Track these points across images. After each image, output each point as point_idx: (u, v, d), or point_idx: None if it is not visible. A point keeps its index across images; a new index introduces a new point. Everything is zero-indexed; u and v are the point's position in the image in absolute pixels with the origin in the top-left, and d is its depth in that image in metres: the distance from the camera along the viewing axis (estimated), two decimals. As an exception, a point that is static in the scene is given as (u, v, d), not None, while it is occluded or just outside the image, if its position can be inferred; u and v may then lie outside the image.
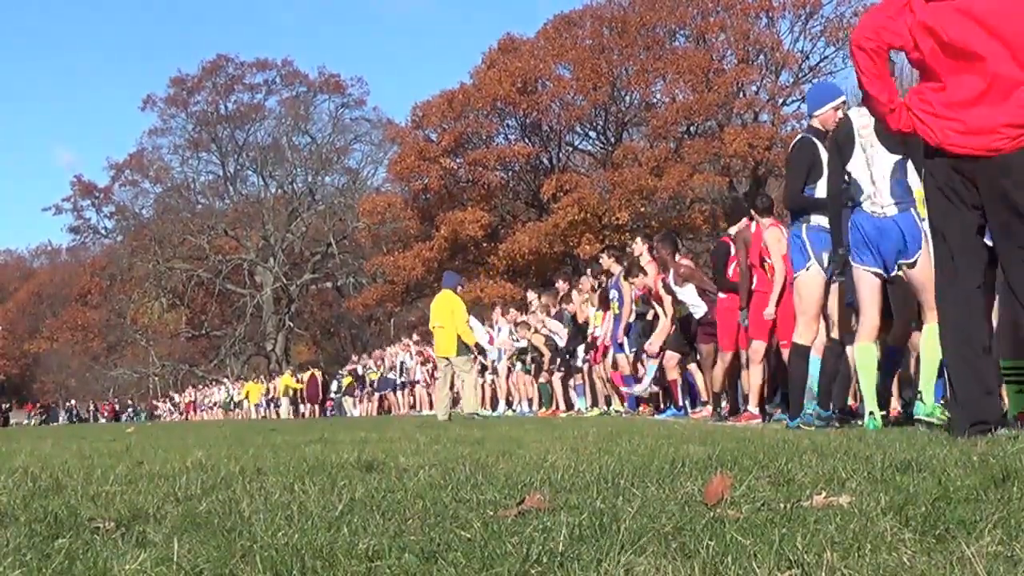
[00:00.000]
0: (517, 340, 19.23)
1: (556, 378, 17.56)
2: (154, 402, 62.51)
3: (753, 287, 9.55)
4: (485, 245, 41.57)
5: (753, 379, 9.69)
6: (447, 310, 15.23)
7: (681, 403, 12.43)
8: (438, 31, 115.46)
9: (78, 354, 70.65)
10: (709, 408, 11.05)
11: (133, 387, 70.36)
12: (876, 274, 6.23)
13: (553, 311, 17.67)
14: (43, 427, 43.31)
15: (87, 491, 3.69)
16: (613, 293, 14.21)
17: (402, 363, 27.85)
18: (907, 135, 4.97)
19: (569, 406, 17.11)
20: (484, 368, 20.97)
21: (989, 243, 4.73)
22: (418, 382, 26.14)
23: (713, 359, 10.87)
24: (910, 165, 6.20)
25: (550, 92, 40.31)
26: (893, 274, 6.24)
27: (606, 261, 14.76)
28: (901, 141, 6.13)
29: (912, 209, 6.19)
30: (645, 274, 12.91)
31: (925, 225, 6.95)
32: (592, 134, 43.88)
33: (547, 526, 2.35)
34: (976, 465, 3.10)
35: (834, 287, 7.15)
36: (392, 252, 45.00)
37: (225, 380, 50.86)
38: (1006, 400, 5.57)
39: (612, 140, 42.64)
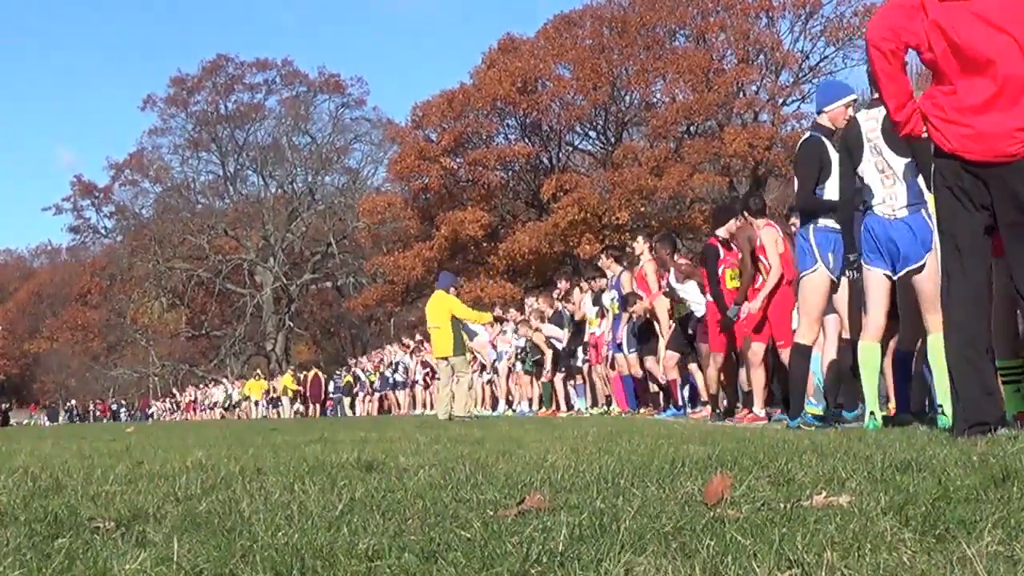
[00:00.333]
0: (518, 338, 19.24)
1: (556, 378, 17.57)
2: (152, 401, 62.49)
3: (756, 286, 9.56)
4: (485, 245, 41.58)
5: (755, 380, 9.68)
6: (443, 311, 15.21)
7: (681, 403, 12.42)
8: (438, 31, 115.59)
9: (78, 354, 70.67)
10: (709, 408, 11.05)
11: (133, 387, 70.36)
12: (886, 276, 6.24)
13: (550, 312, 17.68)
14: (46, 426, 43.35)
15: (87, 491, 3.69)
16: (613, 293, 14.22)
17: (401, 363, 27.85)
18: (914, 139, 4.92)
19: (569, 406, 17.12)
20: (483, 368, 20.98)
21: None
22: (418, 382, 26.14)
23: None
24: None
25: (550, 92, 40.32)
26: (900, 275, 6.22)
27: (605, 261, 14.78)
28: (907, 144, 6.11)
29: (923, 211, 6.17)
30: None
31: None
32: (592, 134, 43.91)
33: (547, 526, 2.35)
34: (976, 465, 3.10)
35: (844, 287, 7.12)
36: (392, 252, 45.01)
37: (224, 380, 50.84)
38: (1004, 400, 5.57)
39: (612, 140, 42.65)
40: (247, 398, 43.17)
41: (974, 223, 4.63)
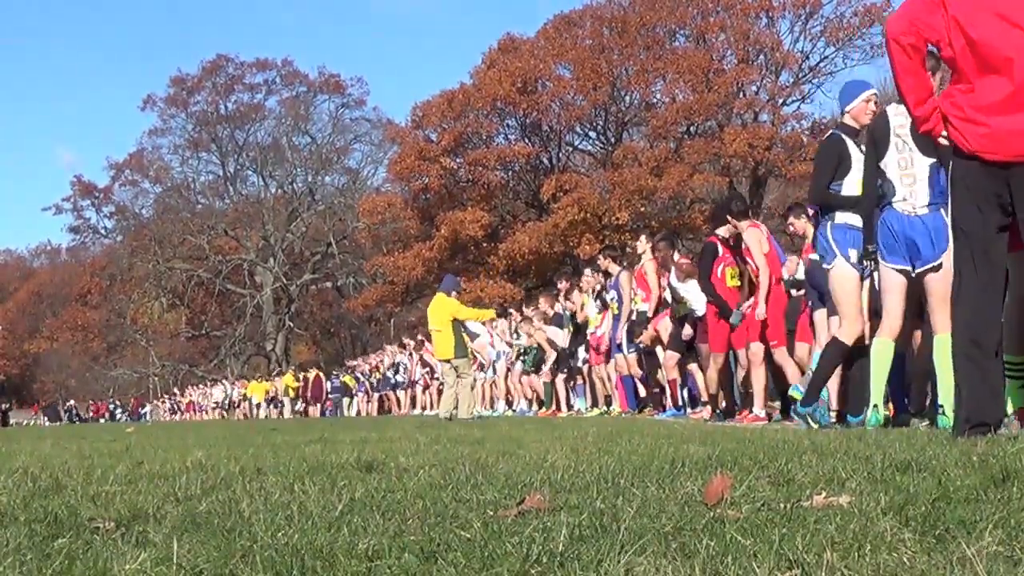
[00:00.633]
0: (518, 337, 19.25)
1: (557, 378, 17.58)
2: (144, 401, 62.48)
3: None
4: (485, 245, 41.58)
5: (756, 381, 9.69)
6: (444, 314, 15.25)
7: (680, 403, 12.43)
8: (438, 31, 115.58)
9: (78, 354, 70.70)
10: (709, 408, 11.05)
11: (133, 387, 70.38)
12: (903, 272, 6.23)
13: (551, 313, 17.69)
14: (46, 426, 43.36)
15: (87, 491, 3.69)
16: (612, 293, 14.22)
17: (401, 364, 27.86)
18: (934, 137, 4.86)
19: (569, 406, 17.12)
20: (483, 367, 20.98)
21: None
22: (418, 382, 26.15)
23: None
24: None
25: (550, 92, 40.32)
26: (917, 271, 6.21)
27: (603, 262, 14.79)
28: (934, 145, 6.08)
29: (943, 210, 6.16)
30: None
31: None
32: (592, 134, 43.91)
33: (547, 526, 2.35)
34: (976, 465, 3.10)
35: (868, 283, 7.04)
36: (392, 252, 45.01)
37: (224, 381, 50.85)
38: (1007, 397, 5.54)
39: (612, 140, 42.66)
40: (246, 398, 43.17)
41: (990, 223, 4.57)
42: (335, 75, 62.37)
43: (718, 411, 10.69)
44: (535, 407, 18.47)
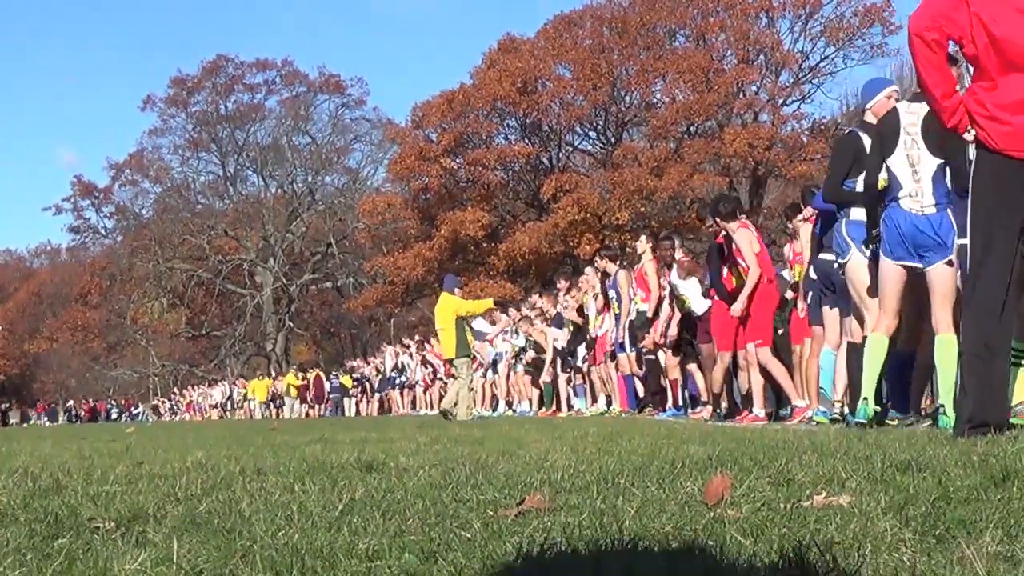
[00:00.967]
0: (517, 335, 19.25)
1: (558, 378, 17.58)
2: (145, 401, 62.51)
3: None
4: (485, 245, 41.57)
5: (754, 381, 9.70)
6: (447, 312, 15.37)
7: (681, 403, 12.43)
8: (438, 31, 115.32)
9: (78, 354, 70.66)
10: (709, 408, 11.05)
11: (133, 387, 70.38)
12: (905, 269, 6.21)
13: (552, 313, 17.69)
14: (47, 426, 43.37)
15: (87, 491, 3.69)
16: (612, 293, 14.22)
17: (401, 363, 27.87)
18: (949, 137, 4.81)
19: (569, 406, 17.12)
20: (482, 366, 20.99)
21: None
22: (418, 382, 26.15)
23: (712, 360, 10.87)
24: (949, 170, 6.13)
25: (550, 92, 40.31)
26: (922, 270, 6.20)
27: (601, 263, 14.80)
28: (941, 144, 6.02)
29: (949, 210, 6.16)
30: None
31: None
32: (592, 134, 43.89)
33: (547, 526, 2.35)
34: (976, 465, 3.10)
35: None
36: (392, 252, 45.00)
37: (224, 382, 50.83)
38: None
39: (612, 140, 42.64)
40: (247, 398, 43.16)
41: (1012, 222, 4.53)
42: (335, 75, 62.40)
43: (719, 411, 10.68)
44: (535, 407, 18.47)
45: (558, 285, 18.46)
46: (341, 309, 59.00)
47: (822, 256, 8.11)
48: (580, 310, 16.33)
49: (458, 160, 41.70)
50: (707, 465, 3.66)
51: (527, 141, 42.43)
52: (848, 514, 2.32)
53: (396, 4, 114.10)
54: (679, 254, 12.15)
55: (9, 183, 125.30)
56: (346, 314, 58.09)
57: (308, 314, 66.01)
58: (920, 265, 6.20)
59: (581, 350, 16.20)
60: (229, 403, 45.86)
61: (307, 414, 36.42)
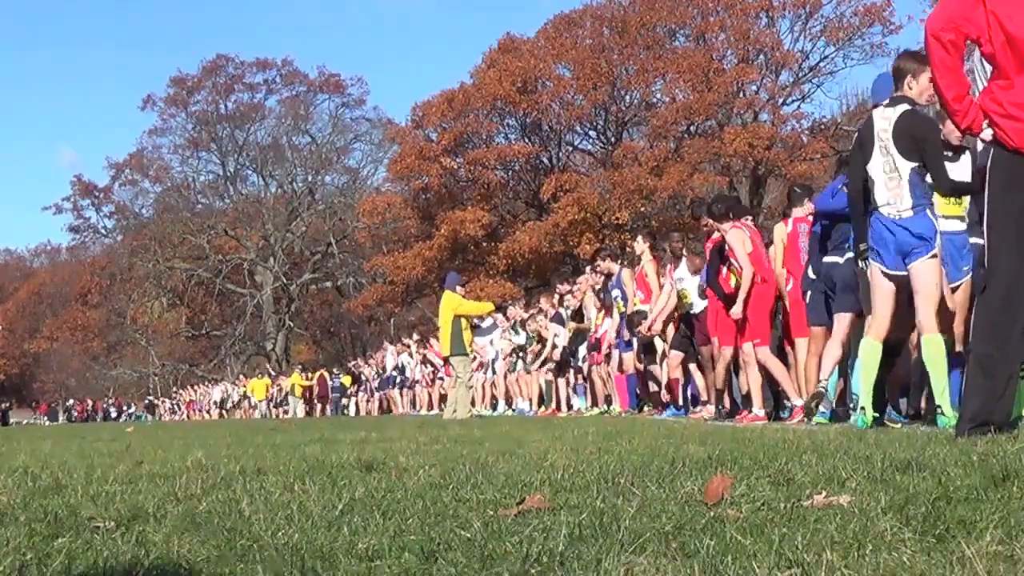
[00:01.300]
0: (518, 333, 19.25)
1: (559, 379, 17.59)
2: (146, 400, 62.49)
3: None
4: (485, 245, 41.57)
5: (753, 381, 9.69)
6: (447, 310, 15.41)
7: (681, 403, 12.42)
8: (438, 31, 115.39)
9: (78, 354, 70.68)
10: (710, 407, 11.04)
11: (133, 387, 70.37)
12: (893, 275, 6.23)
13: (551, 313, 17.70)
14: (46, 425, 43.37)
15: (87, 491, 3.69)
16: (616, 292, 14.19)
17: (401, 363, 27.87)
18: (927, 140, 4.78)
19: (569, 406, 17.12)
20: (482, 366, 20.99)
21: None
22: (418, 382, 26.15)
23: (712, 358, 10.86)
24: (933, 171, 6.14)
25: (550, 92, 40.31)
26: (902, 273, 6.22)
27: (603, 264, 14.78)
28: (916, 148, 6.06)
29: (928, 211, 6.17)
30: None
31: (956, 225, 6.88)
32: (592, 134, 43.90)
33: (547, 526, 2.35)
34: (976, 465, 3.10)
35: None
36: (392, 252, 45.00)
37: (223, 382, 50.80)
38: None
39: (612, 140, 42.63)
40: (246, 397, 43.13)
41: None
42: (335, 75, 62.37)
43: (720, 408, 10.67)
44: (535, 407, 18.47)
45: (557, 288, 18.48)
46: (341, 309, 59.00)
47: (829, 259, 8.10)
48: (579, 312, 16.33)
49: (458, 160, 41.70)
50: (707, 465, 3.66)
51: (527, 141, 42.43)
52: (848, 514, 2.32)
53: (396, 4, 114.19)
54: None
55: (9, 183, 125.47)
56: (346, 314, 58.08)
57: (308, 314, 66.02)
58: (906, 272, 6.22)
59: (581, 350, 16.19)
60: (230, 403, 45.85)
61: (310, 413, 36.42)
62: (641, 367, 13.81)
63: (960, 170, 6.64)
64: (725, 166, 38.96)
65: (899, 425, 6.77)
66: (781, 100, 40.47)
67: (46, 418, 60.51)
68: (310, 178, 62.89)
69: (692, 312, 11.40)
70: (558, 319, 17.36)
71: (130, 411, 59.59)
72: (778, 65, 39.98)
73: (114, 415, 58.85)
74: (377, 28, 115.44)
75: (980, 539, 1.96)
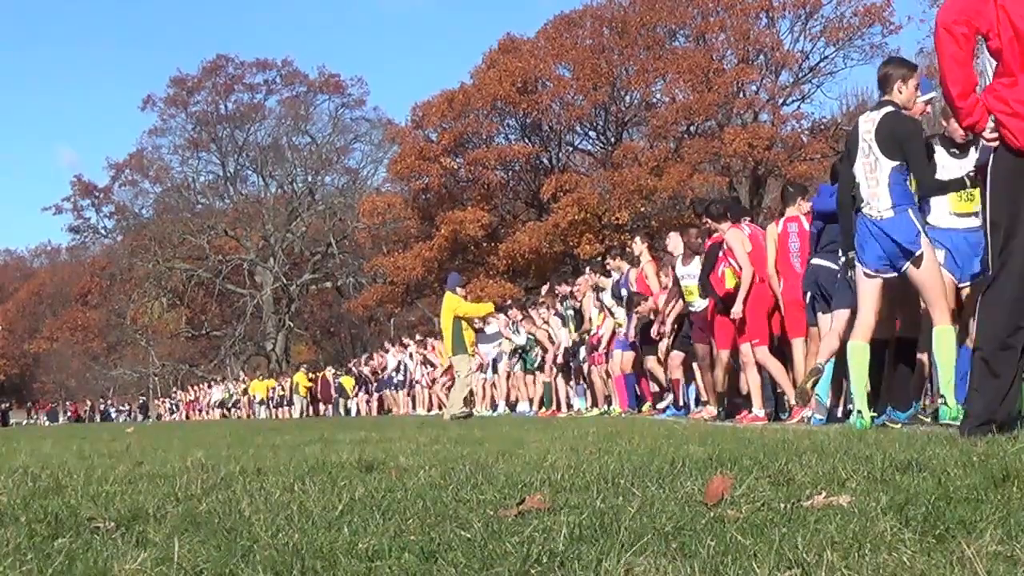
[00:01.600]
0: (519, 333, 19.25)
1: (559, 379, 17.58)
2: (139, 400, 62.46)
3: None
4: (485, 245, 41.58)
5: (752, 381, 9.69)
6: (447, 311, 15.46)
7: (682, 403, 12.41)
8: (438, 31, 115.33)
9: (78, 354, 70.66)
10: (710, 408, 11.03)
11: (133, 387, 70.37)
12: (878, 274, 6.24)
13: (552, 313, 17.70)
14: (47, 426, 43.38)
15: (87, 491, 3.69)
16: (624, 292, 14.16)
17: (401, 363, 27.86)
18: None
19: (569, 406, 17.12)
20: (482, 366, 20.99)
21: None
22: (419, 382, 26.15)
23: (710, 359, 10.85)
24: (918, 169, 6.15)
25: (550, 92, 40.31)
26: (893, 274, 6.22)
27: (612, 263, 14.74)
28: (898, 148, 6.09)
29: (910, 211, 6.18)
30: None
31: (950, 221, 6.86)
32: (592, 134, 43.90)
33: (547, 526, 2.35)
34: (976, 465, 3.10)
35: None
36: (392, 252, 45.00)
37: (224, 382, 50.77)
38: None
39: (612, 140, 42.64)
40: (246, 393, 43.09)
41: None
42: (335, 75, 62.38)
43: (722, 409, 10.66)
44: (535, 407, 18.47)
45: (557, 289, 18.48)
46: (341, 309, 59.00)
47: (816, 261, 8.09)
48: (578, 313, 16.32)
49: (458, 160, 41.71)
50: (707, 465, 3.66)
51: (527, 141, 42.43)
52: (848, 514, 2.32)
53: (396, 4, 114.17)
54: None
55: (9, 183, 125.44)
56: (346, 314, 58.08)
57: (308, 314, 66.02)
58: (894, 274, 6.21)
59: (581, 350, 16.19)
60: (231, 403, 45.83)
61: (313, 413, 36.42)
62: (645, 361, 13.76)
63: (967, 166, 6.63)
64: (725, 166, 38.97)
65: (899, 425, 6.77)
66: (781, 100, 40.49)
67: (46, 418, 60.48)
68: (310, 178, 62.90)
69: (692, 309, 11.39)
70: (558, 319, 17.34)
71: (124, 409, 59.49)
72: (778, 65, 39.99)
73: (112, 416, 58.81)
74: (377, 28, 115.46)
75: (980, 539, 1.96)
